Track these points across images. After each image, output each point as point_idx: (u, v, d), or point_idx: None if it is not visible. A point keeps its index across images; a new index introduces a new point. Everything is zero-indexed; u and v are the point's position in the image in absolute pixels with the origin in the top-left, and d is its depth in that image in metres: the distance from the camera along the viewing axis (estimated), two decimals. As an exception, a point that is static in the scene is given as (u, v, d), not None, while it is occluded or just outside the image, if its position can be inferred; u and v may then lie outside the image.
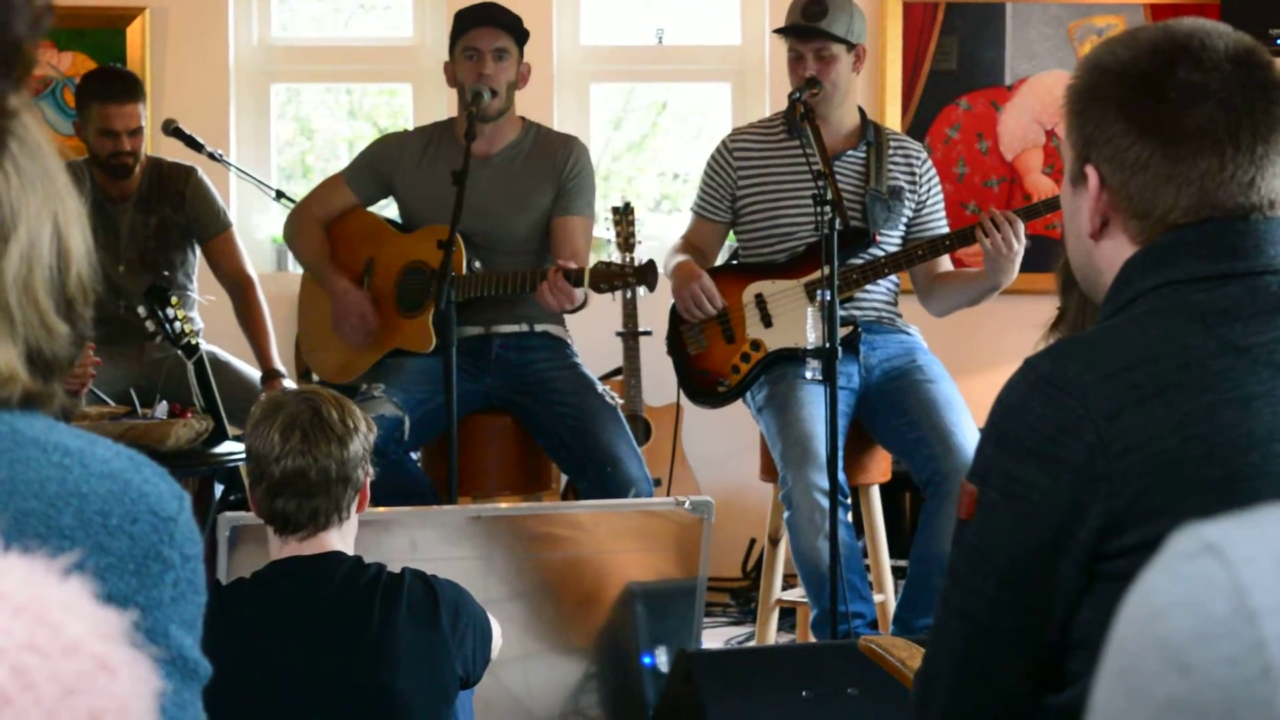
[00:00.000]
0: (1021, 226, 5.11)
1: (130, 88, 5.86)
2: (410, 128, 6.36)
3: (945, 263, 5.47)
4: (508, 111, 5.45)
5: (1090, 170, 2.11)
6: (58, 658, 0.89)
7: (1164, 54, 2.05)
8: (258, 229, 7.33)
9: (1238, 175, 2.04)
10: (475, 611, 3.35)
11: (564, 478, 5.91)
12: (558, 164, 5.47)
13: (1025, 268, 5.25)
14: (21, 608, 0.90)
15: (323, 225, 5.64)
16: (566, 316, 5.55)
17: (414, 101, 7.41)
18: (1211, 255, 2.04)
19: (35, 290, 1.50)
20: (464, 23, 5.45)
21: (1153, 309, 2.04)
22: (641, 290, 5.19)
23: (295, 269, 6.96)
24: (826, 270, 4.76)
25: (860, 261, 5.29)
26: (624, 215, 6.22)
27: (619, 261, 5.49)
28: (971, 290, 5.37)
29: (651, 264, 5.12)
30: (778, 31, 5.41)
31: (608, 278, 5.08)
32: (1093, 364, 1.99)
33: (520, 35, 5.44)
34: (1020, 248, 5.11)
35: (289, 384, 5.87)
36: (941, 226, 5.50)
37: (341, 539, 3.28)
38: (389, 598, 3.20)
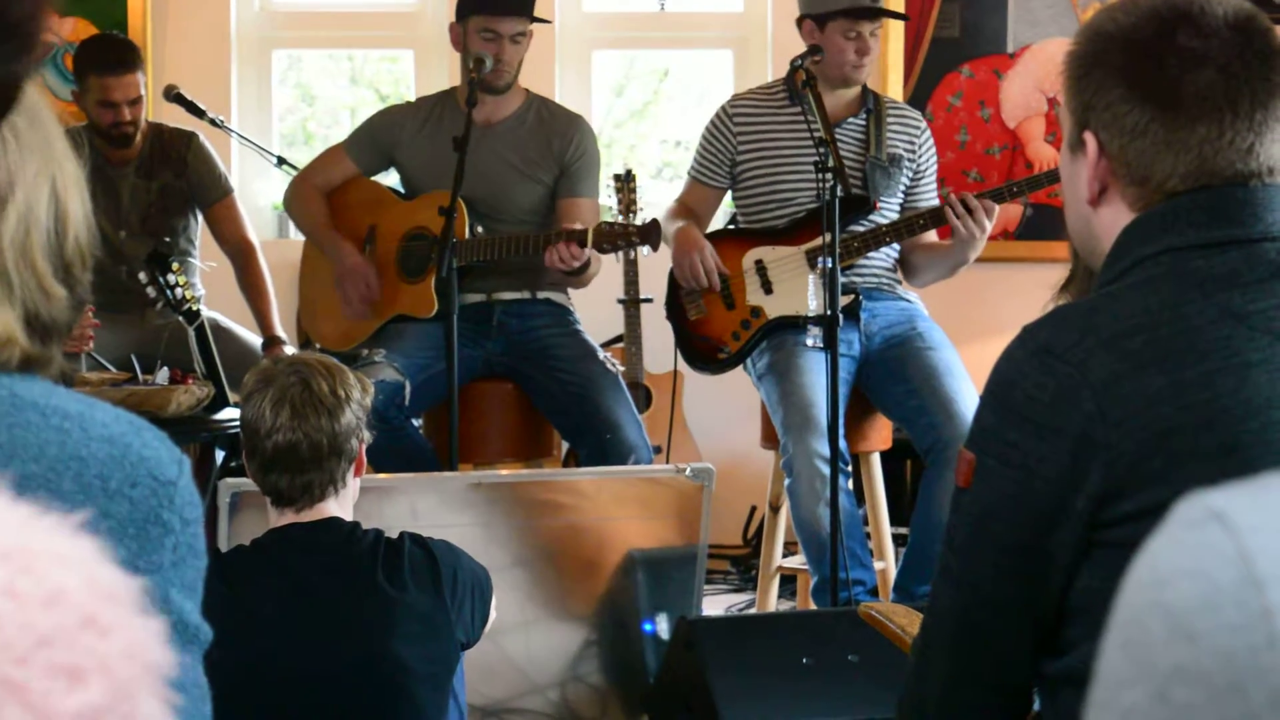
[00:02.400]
0: (995, 209, 5.16)
1: (128, 58, 5.83)
2: (412, 94, 6.37)
3: (930, 233, 5.49)
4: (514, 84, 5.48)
5: (1089, 136, 2.10)
6: (35, 607, 0.87)
7: (1164, 20, 2.05)
8: (259, 195, 7.32)
9: (1236, 142, 2.03)
10: (472, 571, 3.35)
11: (565, 445, 5.91)
12: (561, 144, 5.47)
13: (1027, 235, 5.27)
14: (7, 553, 0.88)
15: (323, 194, 5.63)
16: (568, 282, 5.56)
17: (415, 68, 7.39)
18: (1210, 222, 2.04)
19: (33, 254, 1.50)
20: (487, 2, 5.40)
21: (1151, 276, 2.04)
22: (645, 250, 5.19)
23: (297, 235, 6.95)
24: (828, 237, 4.75)
25: (861, 229, 5.29)
26: (626, 183, 6.21)
27: (621, 222, 5.50)
28: (946, 262, 5.40)
29: (655, 223, 5.13)
30: (842, 13, 5.31)
31: (610, 237, 5.10)
32: (1090, 331, 1.99)
33: (532, 11, 5.45)
34: (989, 228, 5.17)
35: (290, 350, 5.86)
36: (932, 197, 5.52)
37: (339, 506, 3.27)
38: (390, 564, 3.20)
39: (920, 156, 5.49)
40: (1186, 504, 1.00)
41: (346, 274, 5.49)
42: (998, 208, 5.16)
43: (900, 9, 6.83)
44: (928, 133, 5.56)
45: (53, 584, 0.88)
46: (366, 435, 3.32)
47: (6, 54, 1.35)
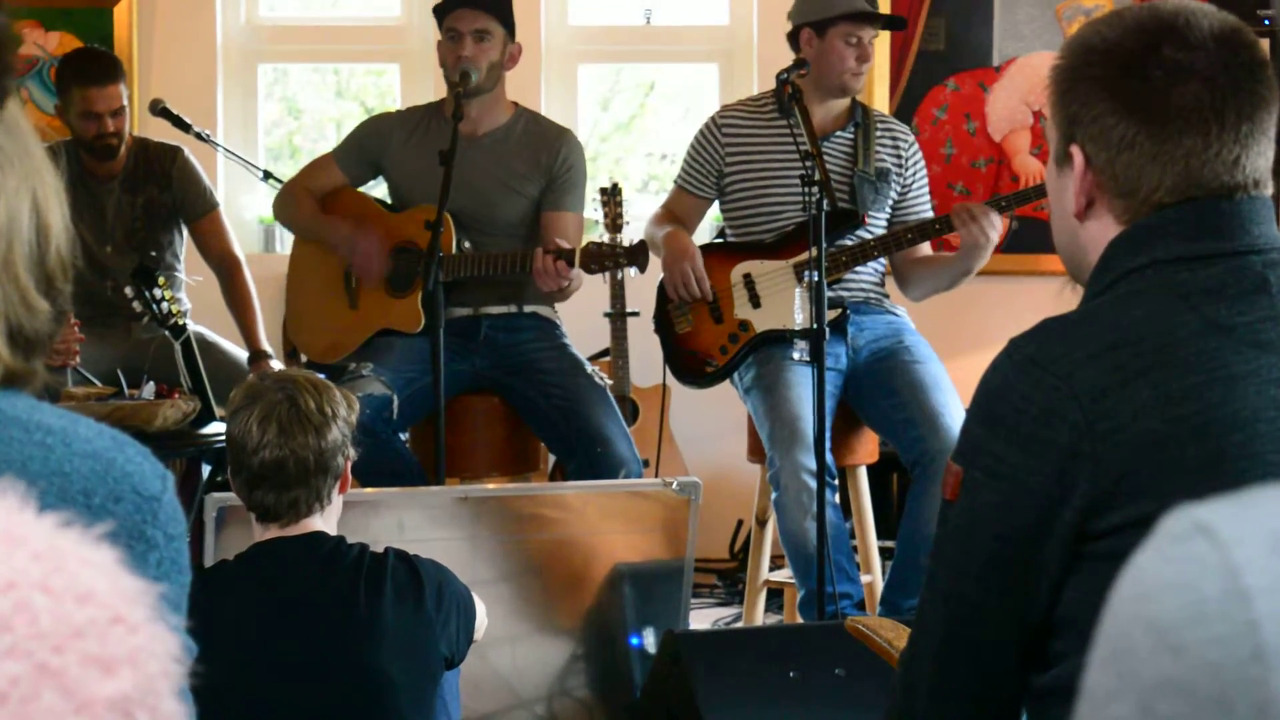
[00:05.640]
0: (996, 218, 5.14)
1: (109, 69, 5.83)
2: (398, 108, 6.35)
3: (925, 247, 5.48)
4: (493, 91, 5.44)
5: (1075, 150, 2.11)
6: (70, 602, 0.91)
7: (1149, 33, 2.05)
8: (245, 209, 7.32)
9: (1222, 154, 2.03)
10: (458, 590, 3.35)
11: (551, 459, 5.90)
12: (548, 157, 5.46)
13: (1013, 249, 5.27)
14: (40, 554, 0.92)
15: (313, 197, 5.62)
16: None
17: (401, 81, 7.40)
18: (1196, 235, 2.04)
19: (15, 267, 1.49)
20: (446, 4, 5.43)
21: (1137, 289, 2.04)
22: (632, 271, 5.19)
23: (283, 249, 6.95)
24: (815, 251, 4.75)
25: (849, 243, 5.28)
26: (612, 196, 6.21)
27: (609, 242, 5.49)
28: (948, 273, 5.38)
29: (642, 244, 5.14)
30: (839, 17, 5.32)
31: (598, 258, 5.09)
32: (1077, 344, 1.99)
33: (504, 15, 5.42)
34: (997, 235, 5.14)
35: (276, 364, 5.86)
36: (926, 210, 5.51)
37: (324, 521, 3.27)
38: (373, 578, 3.20)
39: (908, 171, 5.49)
40: (1172, 517, 1.00)
41: (355, 243, 5.46)
42: (998, 215, 5.16)
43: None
44: (916, 147, 5.56)
45: (84, 584, 0.93)
46: (352, 452, 3.32)
47: None
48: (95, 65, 5.84)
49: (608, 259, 5.11)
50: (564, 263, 5.08)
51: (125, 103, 5.84)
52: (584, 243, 5.26)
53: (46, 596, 0.90)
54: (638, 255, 5.09)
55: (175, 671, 0.96)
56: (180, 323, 5.42)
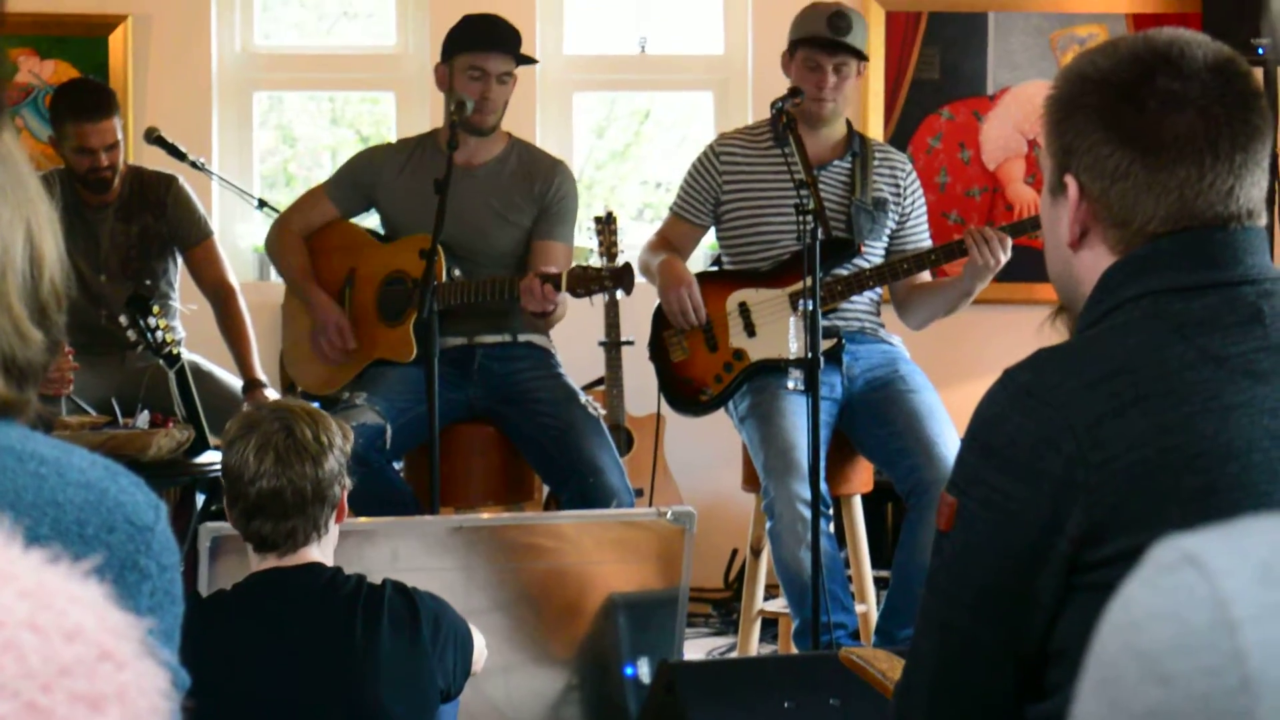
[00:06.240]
0: (1009, 242, 5.13)
1: (103, 103, 5.81)
2: (393, 136, 6.36)
3: (924, 274, 5.48)
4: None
5: (1070, 180, 2.11)
6: (57, 640, 0.91)
7: (1144, 63, 2.05)
8: (240, 238, 7.32)
9: (1217, 184, 2.04)
10: (455, 623, 3.35)
11: (546, 488, 5.90)
12: (542, 186, 5.47)
13: (1005, 278, 5.26)
14: (28, 591, 0.92)
15: (303, 238, 5.63)
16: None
17: (397, 109, 7.41)
18: (1190, 265, 2.04)
19: (9, 297, 1.49)
20: (474, 40, 5.42)
21: (1131, 319, 2.04)
22: (619, 294, 5.19)
23: (278, 278, 6.95)
24: (809, 280, 4.75)
25: (845, 272, 5.29)
26: (607, 224, 6.21)
27: (596, 266, 5.50)
28: (948, 297, 5.37)
29: (628, 266, 5.13)
30: (800, 41, 5.36)
31: (584, 281, 5.09)
32: (1072, 374, 1.99)
33: (520, 55, 5.45)
34: (1006, 259, 5.13)
35: (271, 393, 5.85)
36: (924, 239, 5.51)
37: (320, 551, 3.27)
38: (370, 609, 3.19)
39: (906, 200, 5.49)
40: (1161, 547, 1.00)
41: (321, 326, 5.49)
42: (1011, 239, 5.16)
43: (874, 50, 6.86)
44: (914, 176, 5.56)
45: (71, 621, 0.92)
46: (348, 481, 3.32)
47: None
48: (89, 99, 5.82)
49: (594, 282, 5.11)
50: (550, 287, 5.09)
51: (119, 136, 5.82)
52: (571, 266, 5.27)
53: (34, 634, 0.90)
54: (623, 277, 5.09)
55: (164, 707, 0.95)
56: (174, 351, 5.41)
